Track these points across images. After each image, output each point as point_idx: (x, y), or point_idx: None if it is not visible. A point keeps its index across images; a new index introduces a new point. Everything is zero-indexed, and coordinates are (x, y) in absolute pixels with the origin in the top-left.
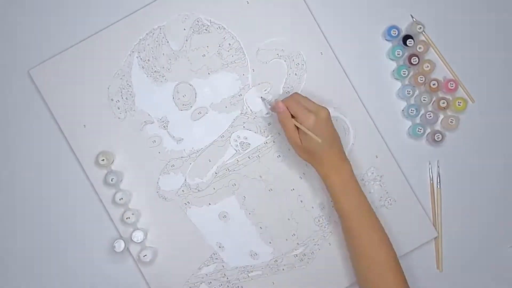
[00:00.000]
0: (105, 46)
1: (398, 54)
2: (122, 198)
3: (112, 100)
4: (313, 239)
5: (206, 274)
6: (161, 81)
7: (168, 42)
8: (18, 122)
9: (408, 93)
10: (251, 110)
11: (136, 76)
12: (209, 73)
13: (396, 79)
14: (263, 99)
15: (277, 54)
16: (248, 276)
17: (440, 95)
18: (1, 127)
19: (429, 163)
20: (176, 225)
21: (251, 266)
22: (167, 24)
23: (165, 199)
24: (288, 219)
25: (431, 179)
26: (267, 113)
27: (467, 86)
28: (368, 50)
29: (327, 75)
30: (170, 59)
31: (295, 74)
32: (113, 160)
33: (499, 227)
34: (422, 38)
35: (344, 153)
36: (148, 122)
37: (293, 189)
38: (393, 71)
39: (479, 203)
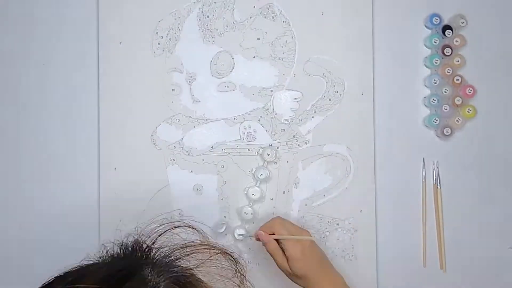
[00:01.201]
0: None
1: (435, 42)
2: None
3: (157, 33)
4: (265, 253)
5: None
6: (209, 41)
7: (234, 9)
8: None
9: (435, 82)
10: (273, 109)
11: (190, 24)
12: (254, 57)
13: (427, 66)
14: (243, 235)
15: (323, 73)
16: None
17: (460, 92)
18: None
19: (433, 163)
20: (152, 173)
21: None
22: None
23: (155, 145)
24: (253, 222)
25: (433, 179)
26: (248, 237)
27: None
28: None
29: (356, 115)
30: (227, 26)
31: (329, 99)
32: None
33: (498, 227)
34: (462, 32)
35: (334, 268)
36: (178, 70)
37: (272, 198)
38: (426, 58)
39: (479, 203)
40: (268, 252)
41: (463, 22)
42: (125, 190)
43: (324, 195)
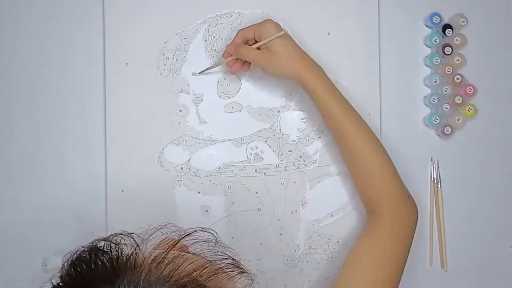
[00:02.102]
0: (183, 3)
1: (435, 41)
2: None
3: (163, 54)
4: (272, 274)
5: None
6: (215, 61)
7: None
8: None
9: (435, 82)
10: (280, 129)
11: (196, 45)
12: (261, 77)
13: (427, 65)
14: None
15: None
16: None
17: (460, 91)
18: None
19: (432, 161)
20: (159, 194)
21: None
22: (248, 14)
23: (163, 166)
24: (261, 243)
25: (432, 178)
26: (205, 70)
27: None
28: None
29: None
30: None
31: None
32: None
33: (499, 226)
34: (462, 31)
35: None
36: (184, 91)
37: (279, 219)
38: (426, 57)
39: (479, 203)
40: (243, 55)
41: (463, 21)
42: (133, 212)
43: (332, 215)
